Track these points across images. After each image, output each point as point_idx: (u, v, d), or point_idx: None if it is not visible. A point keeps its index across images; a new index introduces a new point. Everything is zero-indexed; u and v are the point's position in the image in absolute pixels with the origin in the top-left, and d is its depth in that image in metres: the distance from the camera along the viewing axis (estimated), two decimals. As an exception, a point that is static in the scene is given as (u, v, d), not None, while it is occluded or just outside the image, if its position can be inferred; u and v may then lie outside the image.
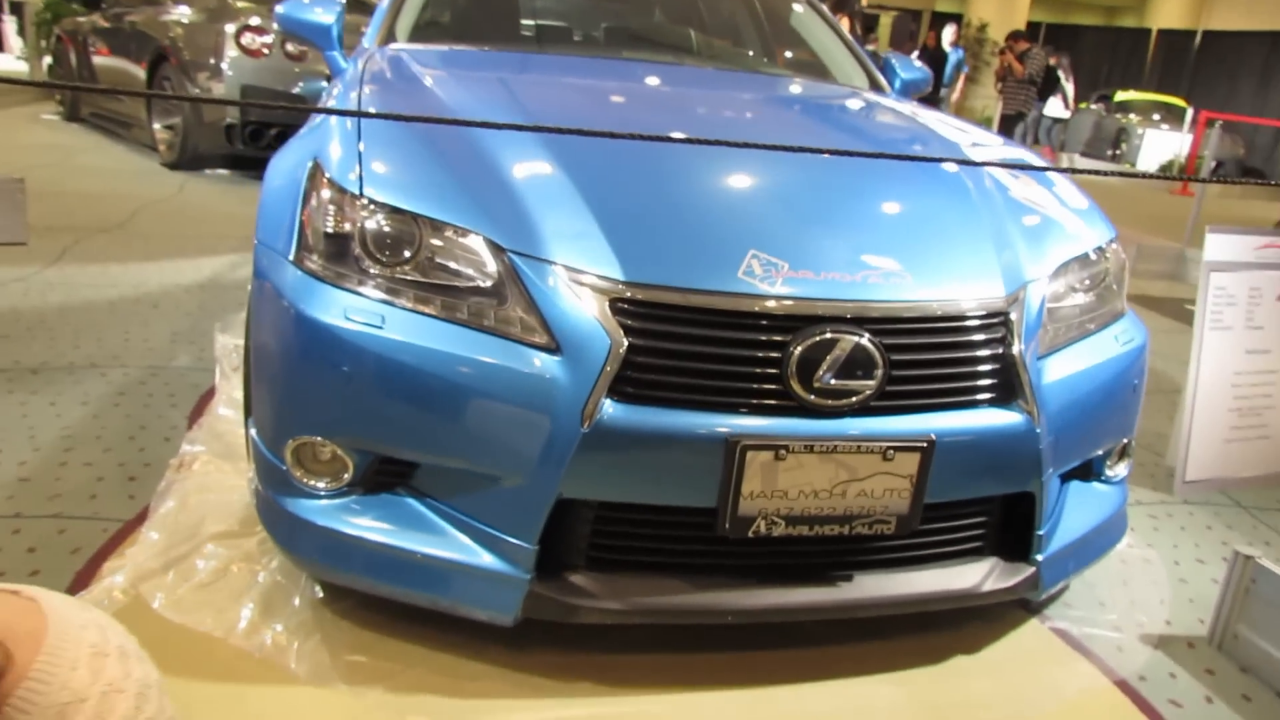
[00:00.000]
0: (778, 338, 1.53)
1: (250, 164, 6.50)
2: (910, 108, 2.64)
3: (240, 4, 6.39)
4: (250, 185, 6.08)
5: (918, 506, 1.60)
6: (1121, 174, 1.66)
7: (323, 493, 1.63)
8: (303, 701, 1.54)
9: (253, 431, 1.77)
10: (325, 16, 2.72)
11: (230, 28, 5.84)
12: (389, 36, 2.66)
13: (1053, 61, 12.66)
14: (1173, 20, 19.34)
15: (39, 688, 0.67)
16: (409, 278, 1.60)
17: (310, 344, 1.58)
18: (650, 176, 1.77)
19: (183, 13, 6.46)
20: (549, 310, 1.52)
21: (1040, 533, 1.75)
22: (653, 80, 2.58)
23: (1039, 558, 1.76)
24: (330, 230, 1.65)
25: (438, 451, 1.57)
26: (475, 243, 1.60)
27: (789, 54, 3.11)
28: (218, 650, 1.63)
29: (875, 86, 3.00)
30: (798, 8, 3.25)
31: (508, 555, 1.54)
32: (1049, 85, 12.32)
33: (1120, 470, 2.03)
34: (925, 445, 1.56)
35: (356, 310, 1.57)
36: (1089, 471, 1.98)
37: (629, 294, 1.51)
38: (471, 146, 1.78)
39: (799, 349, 1.53)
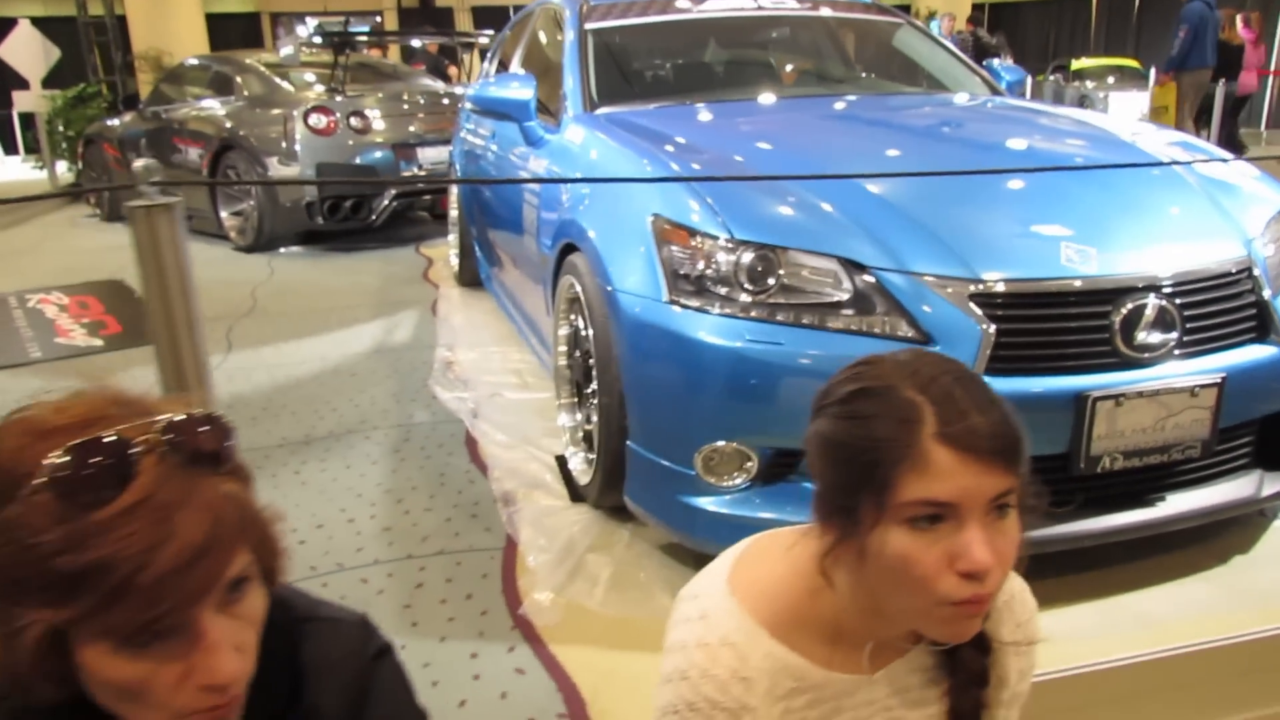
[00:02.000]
0: (1101, 309, 1.90)
1: (317, 239, 6.79)
2: (1055, 107, 3.02)
3: (285, 85, 6.69)
4: (330, 258, 6.36)
5: (1215, 431, 1.97)
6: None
7: (732, 488, 1.96)
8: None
9: (636, 448, 2.10)
10: (524, 93, 3.06)
11: (298, 112, 6.13)
12: (593, 103, 3.00)
13: (983, 35, 13.32)
14: (1107, -14, 20.16)
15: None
16: (776, 300, 1.94)
17: (714, 366, 1.91)
18: (944, 192, 2.13)
19: (226, 104, 6.73)
20: (916, 311, 1.87)
21: (1294, 443, 2.13)
22: (857, 110, 2.96)
23: (1295, 464, 2.13)
24: (700, 271, 1.99)
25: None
26: (830, 264, 1.94)
27: (925, 73, 3.49)
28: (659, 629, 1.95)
29: (995, 91, 3.39)
30: (904, 32, 3.63)
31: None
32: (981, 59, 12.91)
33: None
34: (1220, 380, 1.93)
35: (750, 331, 1.90)
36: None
37: (984, 289, 1.87)
38: (784, 187, 2.13)
39: (1119, 316, 1.89)
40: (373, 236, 6.91)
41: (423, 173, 6.48)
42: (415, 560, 2.27)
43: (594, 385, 2.33)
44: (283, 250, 6.60)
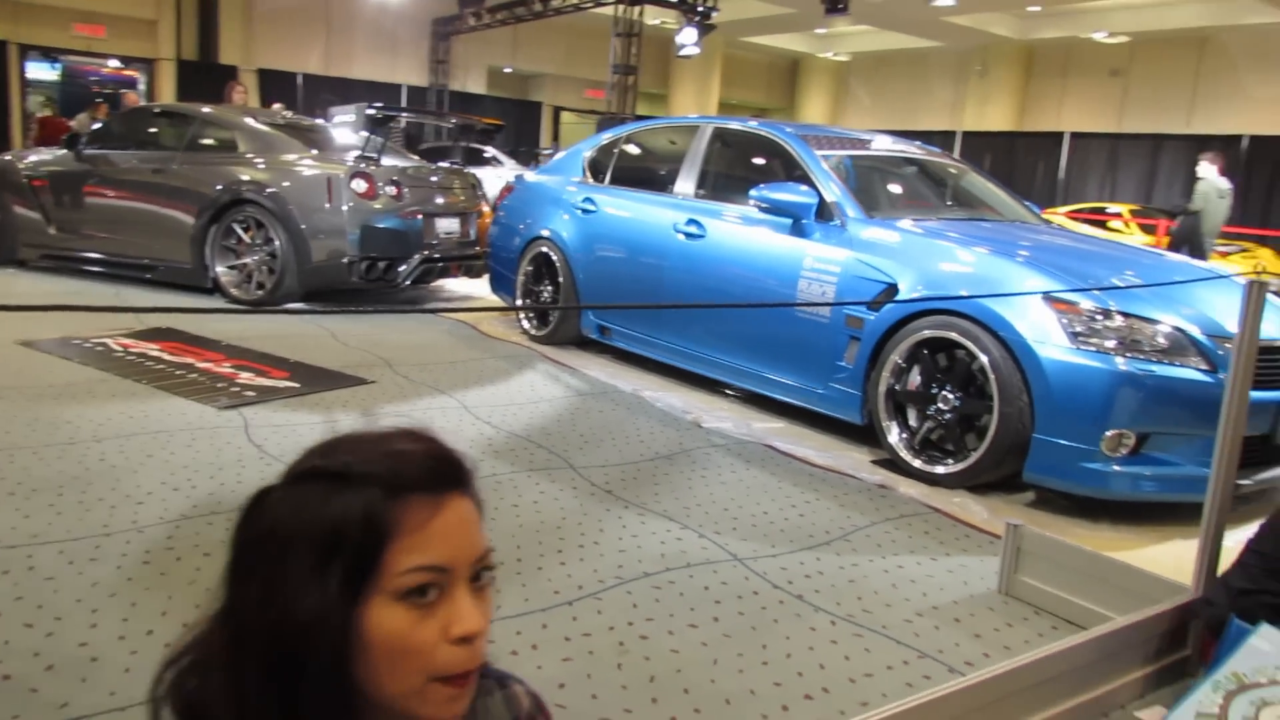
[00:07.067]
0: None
1: (318, 299, 6.98)
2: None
3: (305, 146, 6.90)
4: (353, 318, 6.65)
5: (1314, 424, 3.64)
6: None
7: (1119, 457, 3.28)
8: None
9: (1044, 437, 3.34)
10: (810, 199, 4.21)
11: (343, 174, 6.49)
12: (868, 211, 4.22)
13: None
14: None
15: None
16: (1132, 344, 3.33)
17: (1122, 382, 3.24)
18: (1177, 286, 3.64)
19: (231, 157, 6.85)
20: (1211, 355, 3.34)
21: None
22: (1029, 230, 4.46)
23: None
24: (1091, 329, 3.33)
25: (1171, 425, 3.30)
26: (1165, 326, 3.37)
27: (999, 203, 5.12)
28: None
29: (1041, 219, 5.09)
30: (973, 173, 5.27)
31: (1213, 469, 3.31)
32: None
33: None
34: (1320, 395, 3.61)
35: (1136, 361, 3.27)
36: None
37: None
38: (1107, 277, 3.55)
39: (1288, 359, 3.51)
40: (378, 299, 7.26)
41: (437, 242, 7.02)
42: (904, 520, 3.29)
43: (938, 404, 3.58)
44: (289, 307, 6.74)
